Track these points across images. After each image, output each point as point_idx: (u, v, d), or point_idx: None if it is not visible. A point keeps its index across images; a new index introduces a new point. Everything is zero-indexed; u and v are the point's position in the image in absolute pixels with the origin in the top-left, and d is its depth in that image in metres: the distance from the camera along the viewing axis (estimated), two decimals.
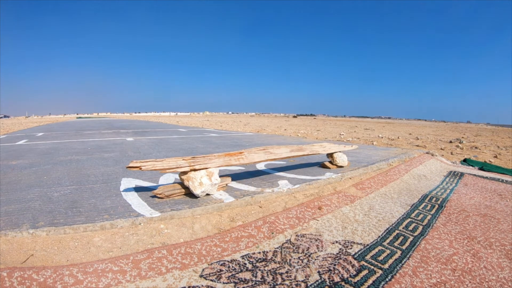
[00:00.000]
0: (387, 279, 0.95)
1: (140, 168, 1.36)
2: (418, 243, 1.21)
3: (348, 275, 0.96)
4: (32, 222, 1.17)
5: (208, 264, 1.00)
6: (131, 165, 1.36)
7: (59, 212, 1.29)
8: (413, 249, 1.16)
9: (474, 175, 2.57)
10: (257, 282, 0.91)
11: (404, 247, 1.17)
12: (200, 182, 1.48)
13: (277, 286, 0.89)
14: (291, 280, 0.93)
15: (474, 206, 1.72)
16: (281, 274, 0.96)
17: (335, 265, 1.02)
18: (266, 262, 1.02)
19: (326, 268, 1.00)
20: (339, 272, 0.98)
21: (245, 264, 1.01)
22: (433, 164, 2.90)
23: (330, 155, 2.39)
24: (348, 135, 8.14)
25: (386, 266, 1.02)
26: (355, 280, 0.94)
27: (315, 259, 1.05)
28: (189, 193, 1.56)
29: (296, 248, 1.13)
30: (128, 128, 8.40)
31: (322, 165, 2.43)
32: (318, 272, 0.98)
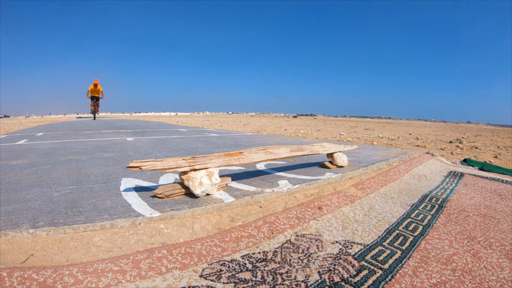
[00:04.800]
0: (387, 279, 0.95)
1: (140, 168, 1.36)
2: (418, 243, 1.21)
3: (348, 275, 0.96)
4: (32, 222, 1.17)
5: (208, 264, 1.00)
6: (131, 165, 1.36)
7: (59, 212, 1.29)
8: (413, 249, 1.16)
9: (474, 175, 2.57)
10: (257, 282, 0.91)
11: (404, 247, 1.17)
12: (200, 182, 1.48)
13: (277, 286, 0.89)
14: (291, 280, 0.93)
15: (474, 206, 1.72)
16: (281, 274, 0.96)
17: (335, 265, 1.02)
18: (266, 262, 1.02)
19: (326, 268, 1.00)
20: (339, 272, 0.98)
21: (245, 264, 1.01)
22: (433, 164, 2.90)
23: (330, 155, 2.39)
24: (348, 135, 8.14)
25: (386, 266, 1.02)
26: (355, 280, 0.94)
27: (315, 259, 1.05)
28: (189, 193, 1.56)
29: (296, 248, 1.13)
30: (128, 128, 8.39)
31: (322, 165, 2.43)
32: (318, 272, 0.98)
